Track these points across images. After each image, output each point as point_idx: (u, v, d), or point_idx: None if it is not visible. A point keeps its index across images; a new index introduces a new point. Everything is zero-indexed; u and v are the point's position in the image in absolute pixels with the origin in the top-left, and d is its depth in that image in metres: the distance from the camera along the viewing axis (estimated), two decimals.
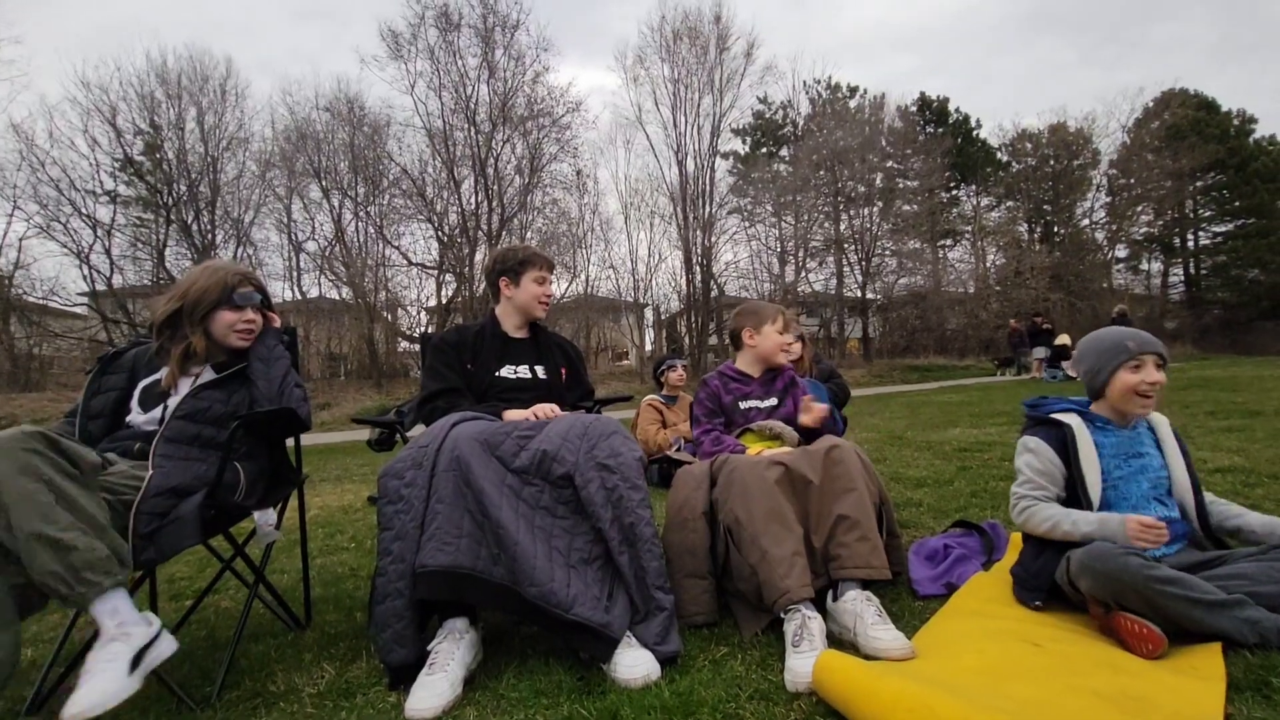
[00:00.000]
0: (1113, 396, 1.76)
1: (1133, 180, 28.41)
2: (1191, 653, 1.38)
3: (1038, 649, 1.42)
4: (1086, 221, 29.80)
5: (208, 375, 1.79)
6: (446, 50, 19.52)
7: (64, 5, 35.41)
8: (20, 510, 1.22)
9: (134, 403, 1.74)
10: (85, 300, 18.48)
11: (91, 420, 1.72)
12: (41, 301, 17.96)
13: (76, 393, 1.92)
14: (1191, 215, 30.70)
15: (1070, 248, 28.35)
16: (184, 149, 18.59)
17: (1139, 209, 29.19)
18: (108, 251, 17.94)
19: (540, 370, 2.14)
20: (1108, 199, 29.46)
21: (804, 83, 28.10)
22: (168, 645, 1.37)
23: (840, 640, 1.61)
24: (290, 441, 2.02)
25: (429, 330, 19.24)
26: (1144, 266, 31.48)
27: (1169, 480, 1.73)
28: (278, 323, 1.92)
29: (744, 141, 28.23)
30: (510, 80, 19.97)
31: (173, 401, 1.71)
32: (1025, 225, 30.14)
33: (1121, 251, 30.55)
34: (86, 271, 17.77)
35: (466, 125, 19.77)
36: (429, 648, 1.52)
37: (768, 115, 28.27)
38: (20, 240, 17.20)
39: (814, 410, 2.20)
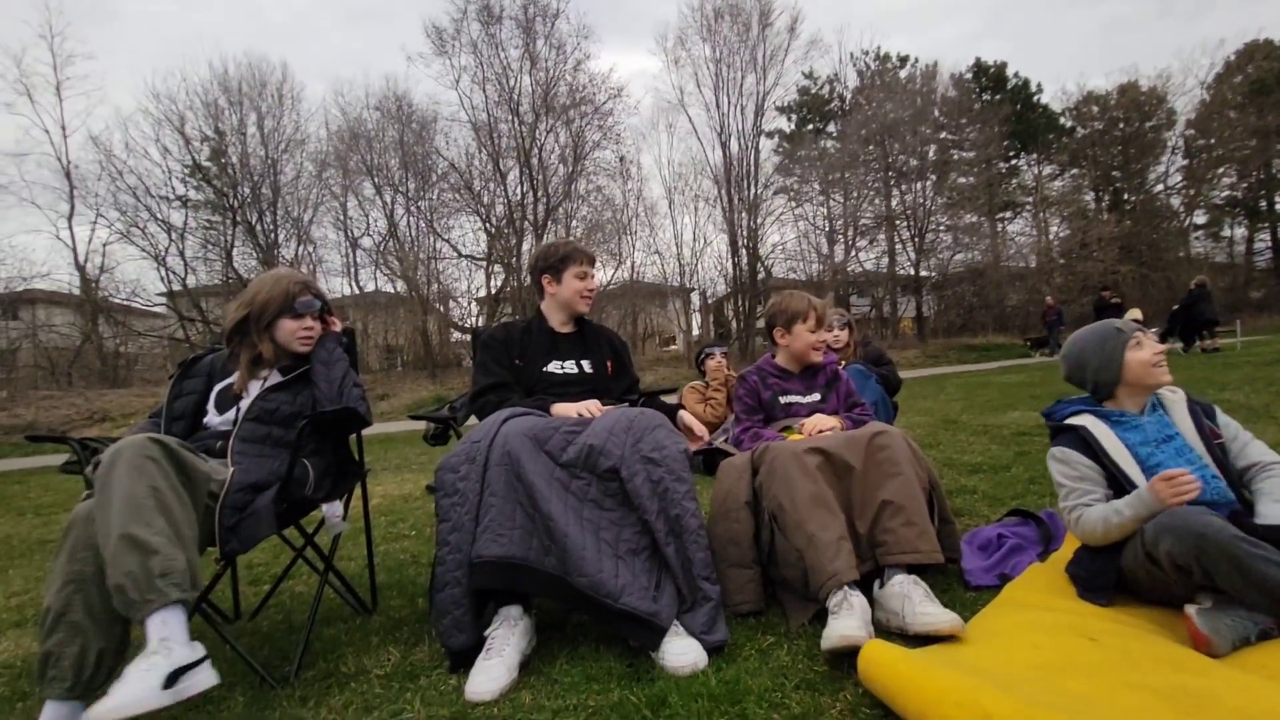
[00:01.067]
0: (1133, 378, 1.76)
1: (1213, 140, 26.44)
2: (1261, 651, 1.33)
3: (1094, 643, 1.39)
4: (1160, 187, 27.95)
5: (274, 378, 1.91)
6: (489, 43, 19.78)
7: (132, 21, 37.37)
8: (121, 511, 1.32)
9: (210, 405, 1.88)
10: (164, 300, 19.69)
11: (174, 422, 1.86)
12: (125, 302, 19.25)
13: (159, 387, 2.06)
14: (1279, 176, 28.39)
15: (1142, 216, 26.66)
16: (246, 153, 19.50)
17: (1220, 171, 27.15)
18: (181, 254, 19.07)
19: (587, 364, 2.19)
20: (1184, 162, 27.51)
21: (851, 55, 27.21)
22: (207, 677, 1.31)
23: (887, 629, 1.61)
24: (353, 437, 2.13)
25: (479, 324, 19.73)
26: (1225, 233, 29.33)
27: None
28: (337, 327, 2.02)
29: (789, 119, 27.59)
30: (552, 70, 20.11)
31: (244, 404, 1.84)
32: (1092, 194, 28.53)
33: (1200, 218, 28.58)
34: (163, 273, 18.97)
35: (510, 117, 20.04)
36: (486, 634, 1.60)
37: (814, 91, 27.50)
38: (104, 246, 18.49)
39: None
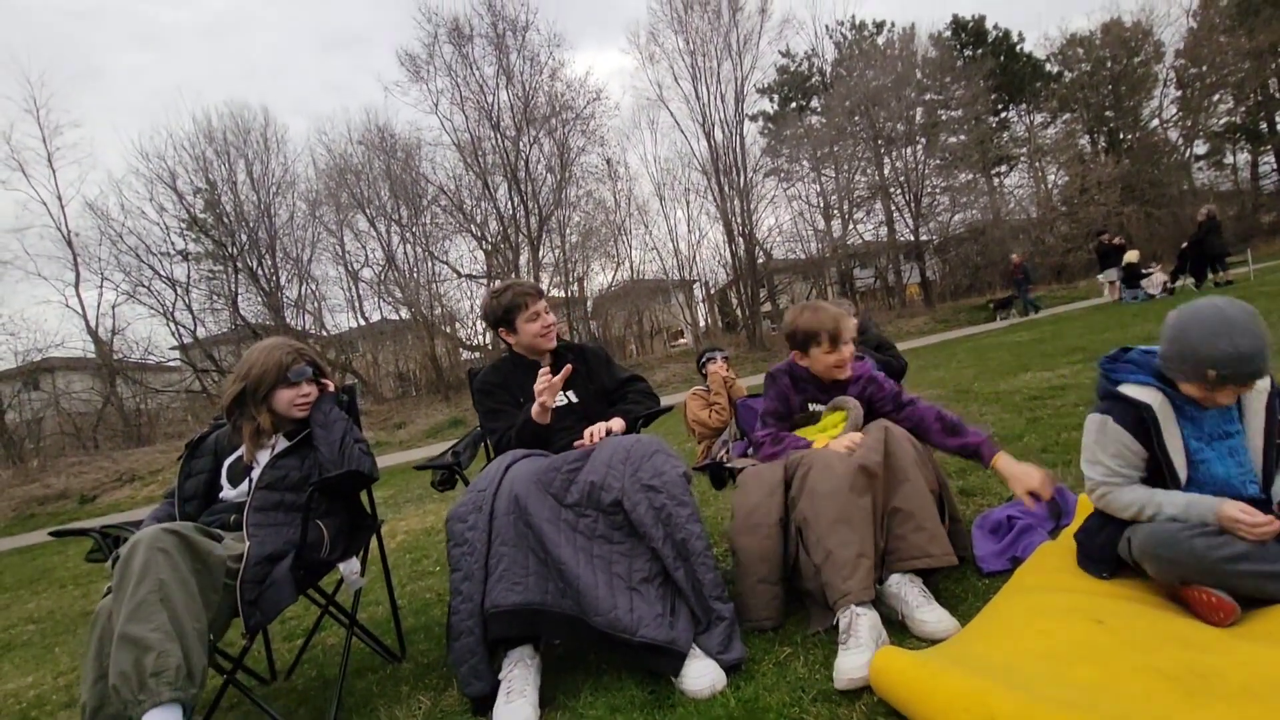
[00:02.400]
0: (1197, 397, 1.51)
1: (1205, 68, 25.91)
2: (1269, 616, 1.33)
3: (1102, 626, 1.40)
4: (1156, 122, 27.47)
5: (282, 444, 1.96)
6: (463, 63, 19.83)
7: (113, 81, 37.90)
8: (125, 609, 1.37)
9: (224, 479, 1.93)
10: (177, 354, 20.00)
11: (186, 502, 1.92)
12: (140, 361, 19.57)
13: (181, 440, 2.09)
14: (1278, 96, 27.76)
15: (1141, 154, 26.25)
16: (239, 200, 19.72)
17: (1215, 98, 26.61)
18: (189, 306, 19.34)
19: (572, 394, 2.21)
20: (1178, 93, 26.99)
21: (826, 28, 27.01)
22: None
23: (891, 621, 1.66)
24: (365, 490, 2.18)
25: (486, 339, 19.83)
26: (1228, 160, 28.72)
27: None
28: (332, 388, 2.06)
29: (771, 100, 27.45)
30: (529, 82, 20.14)
31: (255, 474, 1.89)
32: (1086, 137, 28.08)
33: (1200, 148, 28.01)
34: (174, 327, 19.25)
35: (493, 133, 20.09)
36: (501, 676, 1.64)
37: (793, 69, 27.33)
38: (113, 308, 18.79)
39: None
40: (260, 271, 19.92)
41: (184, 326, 19.29)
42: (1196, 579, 1.40)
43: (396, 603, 2.28)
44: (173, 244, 19.23)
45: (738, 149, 22.21)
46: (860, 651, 1.43)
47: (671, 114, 22.80)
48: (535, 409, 2.00)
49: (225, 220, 19.59)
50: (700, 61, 22.00)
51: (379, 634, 2.25)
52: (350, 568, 1.88)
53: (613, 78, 41.80)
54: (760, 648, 1.69)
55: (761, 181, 23.47)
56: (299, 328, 20.11)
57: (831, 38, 26.90)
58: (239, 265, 19.60)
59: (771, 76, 26.41)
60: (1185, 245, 12.35)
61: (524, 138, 20.20)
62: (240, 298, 19.80)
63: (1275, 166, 28.50)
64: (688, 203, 23.28)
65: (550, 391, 1.98)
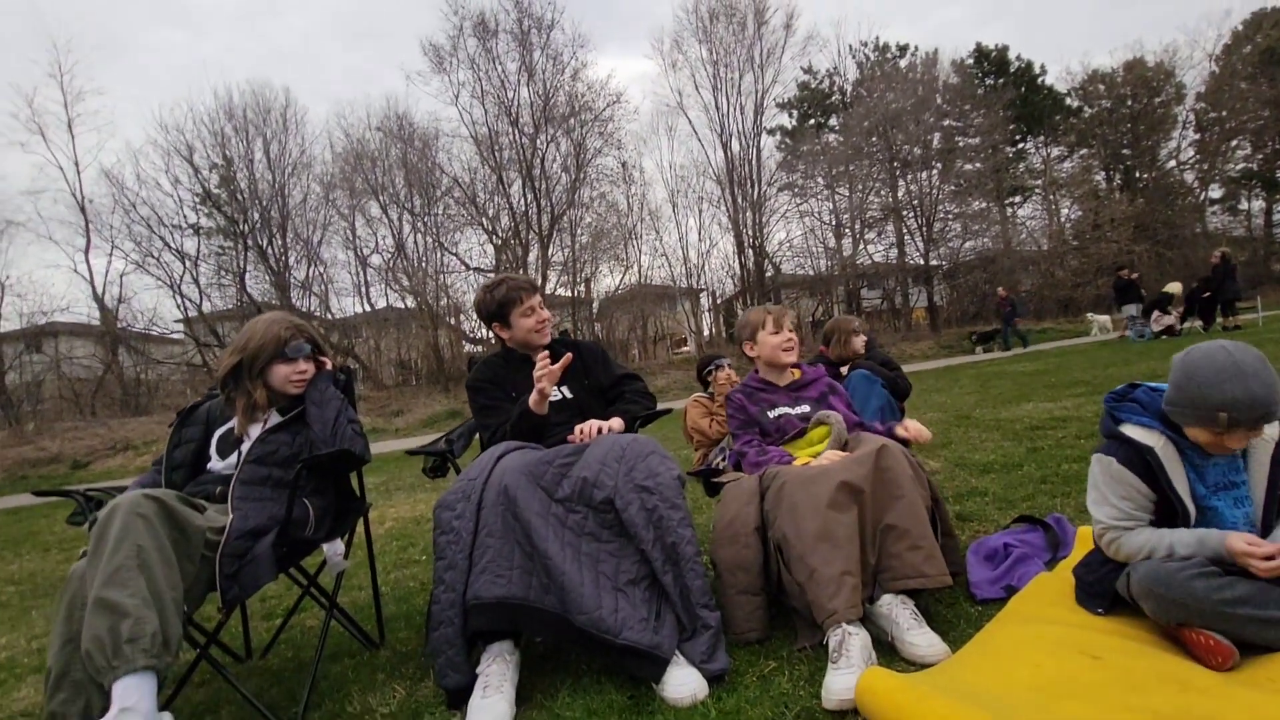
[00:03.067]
0: (1201, 441, 1.47)
1: (1224, 113, 25.98)
2: (1270, 663, 1.29)
3: (1097, 662, 1.36)
4: (1173, 163, 27.54)
5: (274, 419, 1.93)
6: (486, 57, 19.95)
7: (138, 53, 38.11)
8: (102, 573, 1.34)
9: (212, 450, 1.91)
10: (181, 327, 20.04)
11: (173, 470, 1.89)
12: (144, 331, 19.61)
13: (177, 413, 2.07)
14: None
15: (1155, 193, 26.25)
16: (254, 178, 19.82)
17: (1233, 143, 26.69)
18: (196, 280, 19.42)
19: (567, 390, 2.18)
20: (1196, 136, 27.08)
21: (850, 47, 27.12)
22: None
23: (879, 641, 1.62)
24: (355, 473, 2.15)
25: (490, 333, 19.79)
26: (1243, 206, 28.79)
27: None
28: (329, 367, 2.04)
29: (790, 115, 27.50)
30: (550, 80, 20.23)
31: (245, 447, 1.86)
32: (1102, 174, 28.13)
33: (1216, 192, 28.09)
34: (179, 300, 19.30)
35: (511, 129, 20.18)
36: (478, 670, 1.60)
37: (813, 85, 27.39)
38: (121, 276, 18.85)
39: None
40: (270, 250, 19.98)
41: (190, 300, 19.36)
42: (1196, 620, 1.37)
43: (379, 589, 2.25)
44: (185, 217, 19.35)
45: (754, 161, 22.33)
46: (851, 672, 1.39)
47: (690, 122, 22.93)
48: (533, 398, 1.97)
49: (239, 197, 19.67)
50: (722, 72, 22.14)
51: (359, 619, 2.22)
52: (334, 549, 1.85)
53: (634, 82, 41.84)
54: (745, 660, 1.66)
55: (775, 195, 23.56)
56: (304, 309, 20.14)
57: (854, 57, 27.02)
58: (249, 243, 19.66)
59: (792, 92, 26.49)
60: (1195, 285, 12.30)
61: (542, 135, 20.28)
62: (248, 275, 19.89)
63: None
64: (700, 211, 23.29)
65: (549, 378, 1.95)
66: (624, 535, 1.69)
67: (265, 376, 1.95)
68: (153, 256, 18.79)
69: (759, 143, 22.81)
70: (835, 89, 27.46)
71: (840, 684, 1.38)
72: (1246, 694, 1.20)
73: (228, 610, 1.64)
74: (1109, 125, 27.39)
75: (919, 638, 1.57)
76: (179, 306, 19.47)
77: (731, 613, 1.77)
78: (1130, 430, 1.52)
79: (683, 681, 1.51)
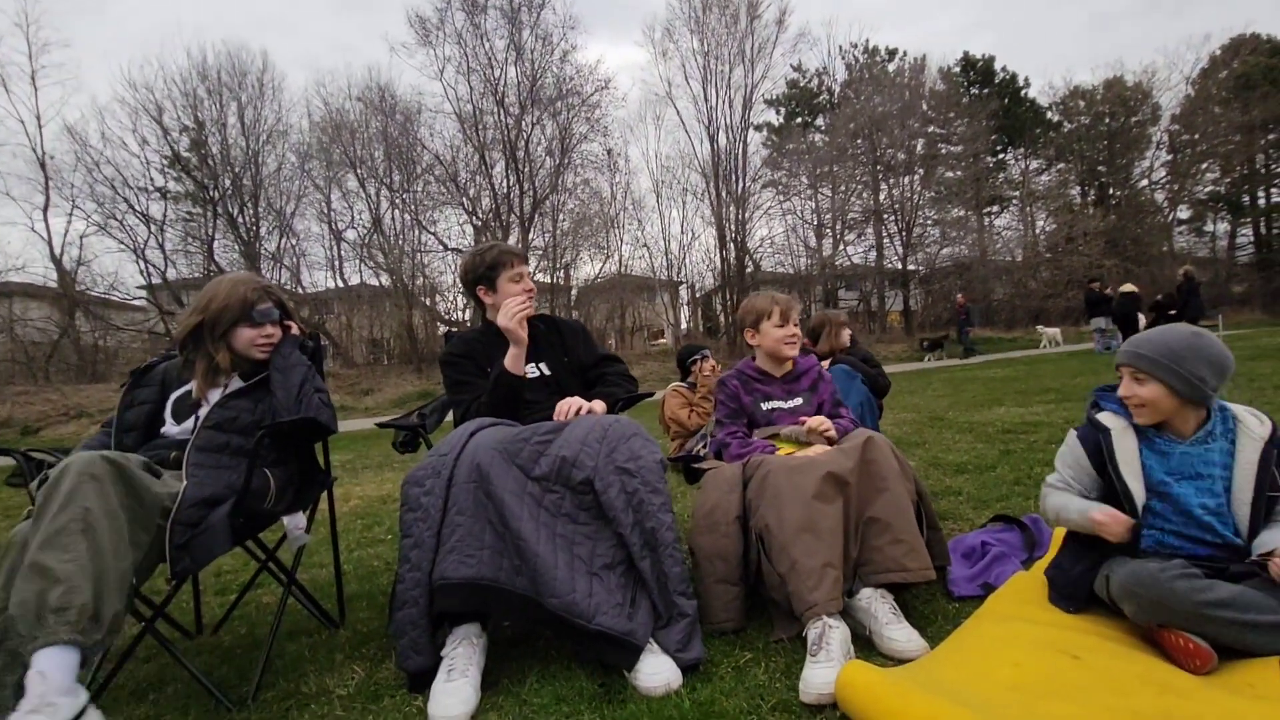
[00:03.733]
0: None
1: (1197, 136, 26.72)
2: (1247, 668, 1.29)
3: (1077, 662, 1.35)
4: (1145, 182, 28.25)
5: (235, 384, 1.83)
6: (474, 33, 19.57)
7: (109, 6, 36.58)
8: (42, 536, 1.24)
9: (167, 414, 1.80)
10: (143, 293, 19.37)
11: (126, 433, 1.77)
12: (103, 296, 18.90)
13: None
14: (1263, 171, 28.65)
15: (1127, 210, 26.92)
16: (226, 144, 19.18)
17: (1204, 166, 27.46)
18: (161, 246, 18.77)
19: (545, 366, 2.11)
20: (1169, 157, 27.80)
21: (840, 48, 27.21)
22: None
23: (857, 635, 1.60)
24: (320, 444, 2.05)
25: (466, 317, 19.53)
26: (1209, 228, 29.70)
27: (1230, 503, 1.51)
28: (296, 332, 1.94)
29: (778, 112, 27.54)
30: (538, 61, 19.93)
31: (203, 411, 1.76)
32: (1078, 188, 28.76)
33: (1184, 213, 28.90)
34: (143, 266, 18.64)
35: (496, 108, 19.85)
36: (443, 653, 1.54)
37: (802, 84, 27.47)
38: (81, 238, 18.12)
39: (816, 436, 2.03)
40: (241, 219, 19.41)
41: (154, 266, 18.71)
42: (1177, 622, 1.36)
43: (341, 566, 2.16)
44: (151, 180, 18.65)
45: (739, 156, 22.29)
46: (831, 666, 1.36)
47: (678, 112, 22.79)
48: (510, 354, 1.91)
49: (210, 162, 19.03)
50: (712, 64, 22.04)
51: (319, 598, 2.12)
52: (295, 522, 1.75)
53: (623, 69, 41.51)
54: (720, 650, 1.62)
55: (759, 191, 23.60)
56: (276, 281, 19.61)
57: (844, 59, 27.13)
58: (219, 210, 19.07)
59: (780, 89, 26.52)
60: (1159, 299, 12.59)
61: (527, 117, 20.00)
62: (217, 243, 19.31)
63: (1252, 239, 29.50)
64: (684, 203, 23.36)
65: (521, 314, 1.90)
66: (601, 518, 1.63)
67: (229, 339, 1.84)
68: (116, 219, 18.12)
69: (745, 138, 22.79)
70: (823, 89, 27.57)
71: (819, 677, 1.34)
72: (1225, 698, 1.19)
73: (177, 583, 1.55)
74: (1086, 141, 27.95)
75: (898, 632, 1.54)
76: (142, 272, 18.82)
77: (708, 602, 1.73)
78: (1101, 416, 1.65)
79: (656, 670, 1.46)
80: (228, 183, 19.16)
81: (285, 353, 1.88)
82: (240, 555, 2.91)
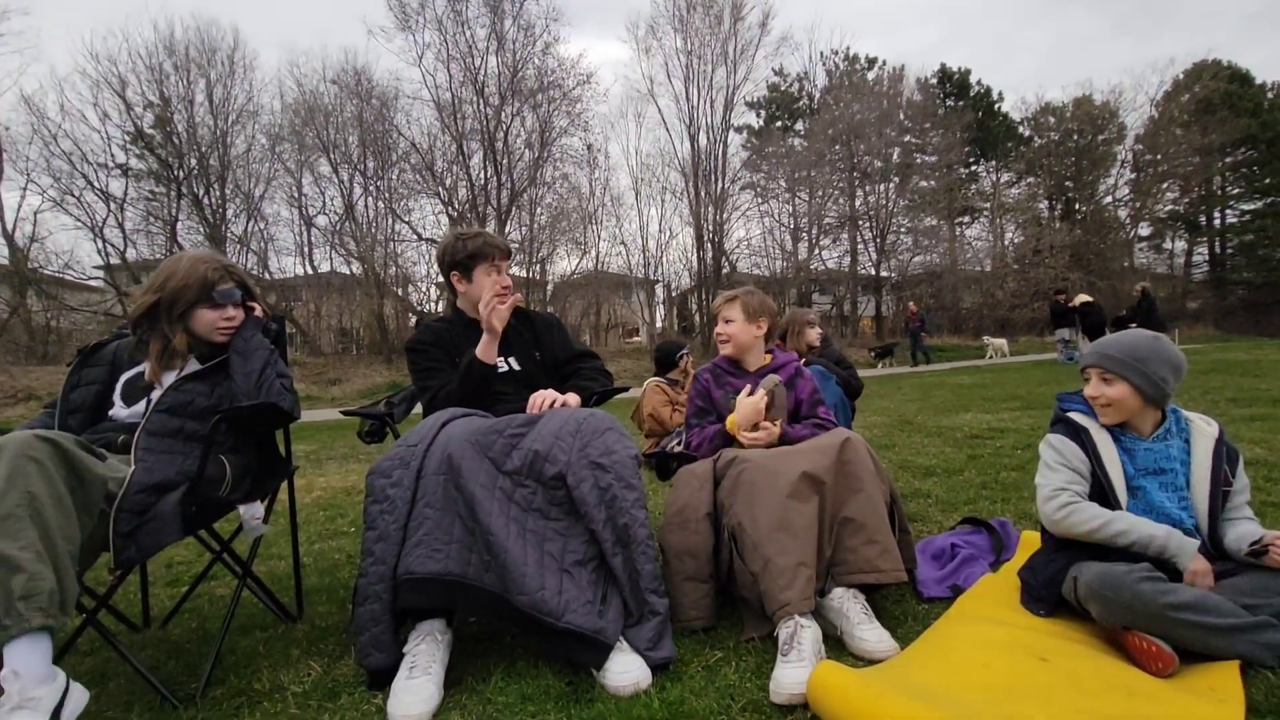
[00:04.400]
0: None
1: (1159, 156, 27.64)
2: (1208, 672, 1.31)
3: (1045, 664, 1.35)
4: (1109, 199, 29.15)
5: (192, 366, 1.74)
6: (455, 20, 19.25)
7: None
8: None
9: (116, 396, 1.70)
10: (100, 274, 18.65)
11: (71, 415, 1.68)
12: (58, 275, 18.14)
13: None
14: (1219, 192, 29.86)
15: (1091, 226, 27.74)
16: (193, 122, 18.56)
17: (1164, 186, 28.45)
18: (121, 225, 18.06)
19: (514, 361, 2.06)
20: (1132, 175, 28.73)
21: (821, 54, 27.53)
22: (79, 699, 1.24)
23: (829, 636, 1.59)
24: (281, 431, 1.98)
25: (439, 309, 19.24)
26: (1167, 245, 30.83)
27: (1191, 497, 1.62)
28: (259, 312, 1.86)
29: (758, 115, 27.72)
30: (519, 51, 19.70)
31: (156, 394, 1.67)
32: (1046, 202, 29.51)
33: (1145, 230, 29.89)
34: (101, 245, 17.92)
35: (475, 98, 19.57)
36: (405, 650, 1.49)
37: (783, 88, 27.68)
38: (35, 214, 17.34)
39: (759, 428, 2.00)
40: (207, 201, 18.81)
41: (113, 245, 18.00)
42: (1141, 623, 1.38)
43: (300, 559, 2.08)
44: (112, 156, 17.93)
45: (719, 156, 22.36)
46: (803, 666, 1.34)
47: (660, 110, 22.76)
48: (483, 340, 1.87)
49: (175, 140, 18.40)
50: (695, 63, 22.07)
51: (276, 590, 2.04)
52: (252, 512, 1.68)
53: (605, 65, 41.30)
54: (690, 649, 1.59)
55: (738, 193, 23.70)
56: (242, 266, 19.04)
57: (825, 65, 27.43)
58: (183, 190, 18.44)
59: (762, 91, 26.69)
60: (1123, 314, 12.97)
61: (507, 108, 19.76)
62: (180, 224, 18.66)
63: (1207, 258, 30.66)
64: (663, 201, 23.20)
65: (500, 314, 1.86)
66: (573, 514, 1.59)
67: (187, 321, 1.75)
68: (73, 195, 17.36)
69: (726, 139, 22.88)
70: (804, 94, 27.82)
71: (790, 678, 1.32)
72: (1189, 701, 1.21)
73: (122, 573, 1.47)
74: (1055, 157, 28.70)
75: (869, 633, 1.54)
76: (99, 251, 18.08)
77: (678, 600, 1.70)
78: (1074, 415, 1.72)
79: (625, 669, 1.43)
80: (193, 162, 18.54)
81: (247, 335, 1.80)
82: (194, 545, 2.81)
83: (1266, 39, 51.77)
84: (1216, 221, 30.40)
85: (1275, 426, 4.18)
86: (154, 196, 18.76)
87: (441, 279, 2.18)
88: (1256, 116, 27.70)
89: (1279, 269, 28.61)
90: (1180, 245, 30.88)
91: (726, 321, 2.17)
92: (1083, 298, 13.44)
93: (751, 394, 2.01)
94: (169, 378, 1.71)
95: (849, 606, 1.61)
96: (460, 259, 2.04)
